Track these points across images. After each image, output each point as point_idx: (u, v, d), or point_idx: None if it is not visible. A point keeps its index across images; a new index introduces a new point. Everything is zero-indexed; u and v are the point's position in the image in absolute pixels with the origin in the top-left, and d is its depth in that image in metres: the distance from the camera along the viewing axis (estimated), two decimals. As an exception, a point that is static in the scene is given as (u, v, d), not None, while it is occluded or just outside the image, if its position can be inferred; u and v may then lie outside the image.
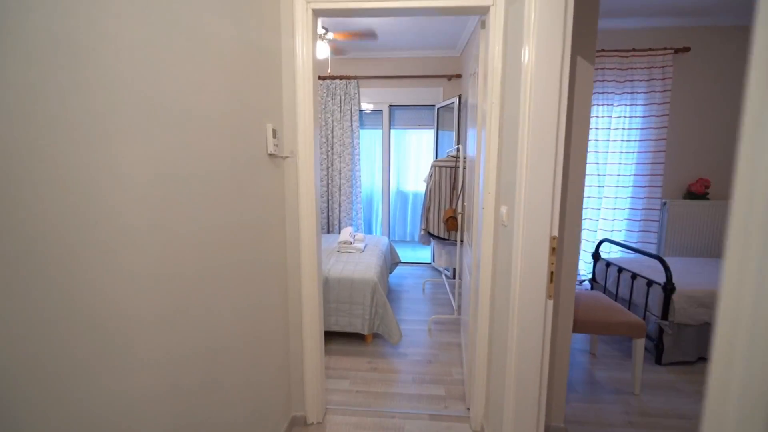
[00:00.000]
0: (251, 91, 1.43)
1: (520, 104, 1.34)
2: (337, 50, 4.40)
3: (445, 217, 2.85)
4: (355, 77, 4.54)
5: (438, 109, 4.58)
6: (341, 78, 4.52)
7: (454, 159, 3.13)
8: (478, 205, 1.85)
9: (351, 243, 3.34)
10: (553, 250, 1.32)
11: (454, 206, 3.08)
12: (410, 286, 4.05)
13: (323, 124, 4.59)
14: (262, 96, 1.54)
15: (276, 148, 1.65)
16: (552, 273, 1.33)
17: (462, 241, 2.97)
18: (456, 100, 4.03)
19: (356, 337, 2.86)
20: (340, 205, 4.65)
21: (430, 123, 4.81)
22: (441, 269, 4.32)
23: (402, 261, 4.86)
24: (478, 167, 1.92)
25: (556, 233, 1.32)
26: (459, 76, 4.45)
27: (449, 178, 3.11)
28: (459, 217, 2.90)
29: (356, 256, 3.20)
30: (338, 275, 2.72)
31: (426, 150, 6.29)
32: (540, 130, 1.29)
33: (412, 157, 6.33)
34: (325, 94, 4.56)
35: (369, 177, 6.19)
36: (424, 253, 5.59)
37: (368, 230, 6.30)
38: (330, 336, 2.83)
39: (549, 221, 1.32)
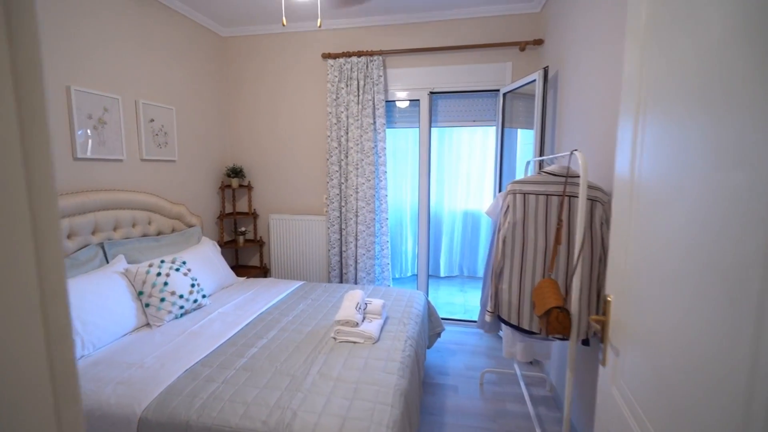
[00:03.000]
0: None
1: None
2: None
3: (542, 307, 1.32)
4: (380, 52, 3.11)
5: (504, 94, 3.02)
6: (359, 54, 3.12)
7: (559, 178, 1.58)
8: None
9: (357, 325, 1.90)
10: None
11: (565, 280, 1.53)
12: (458, 373, 2.53)
13: (333, 121, 3.20)
14: None
15: None
16: None
17: (584, 340, 1.42)
18: (538, 76, 2.47)
19: None
20: (356, 238, 3.23)
21: (490, 117, 3.26)
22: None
23: (447, 316, 3.34)
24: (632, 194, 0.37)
25: None
26: (540, 42, 2.86)
27: (546, 214, 1.56)
28: (577, 304, 1.36)
29: (365, 350, 1.76)
30: (315, 422, 1.28)
31: (482, 155, 4.70)
32: None
33: (462, 164, 4.77)
34: (336, 79, 3.17)
35: (397, 192, 4.72)
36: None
37: (396, 266, 4.82)
38: None
39: None
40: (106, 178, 2.39)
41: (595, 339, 1.55)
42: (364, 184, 3.16)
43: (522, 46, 2.92)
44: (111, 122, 2.39)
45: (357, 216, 3.20)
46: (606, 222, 1.49)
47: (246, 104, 3.52)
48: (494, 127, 3.25)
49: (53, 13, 2.03)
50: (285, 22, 1.89)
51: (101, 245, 2.23)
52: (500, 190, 3.12)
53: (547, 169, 1.61)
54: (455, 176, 4.81)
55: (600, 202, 1.47)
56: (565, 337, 1.39)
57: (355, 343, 1.84)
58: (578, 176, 1.57)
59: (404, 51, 3.11)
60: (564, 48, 2.35)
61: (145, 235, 2.58)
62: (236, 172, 3.43)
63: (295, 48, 3.34)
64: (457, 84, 3.14)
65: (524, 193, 1.59)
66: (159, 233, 2.69)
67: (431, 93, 3.19)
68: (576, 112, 2.10)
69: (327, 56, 3.19)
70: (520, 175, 3.18)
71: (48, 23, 2.00)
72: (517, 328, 1.64)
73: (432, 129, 3.28)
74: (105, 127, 2.35)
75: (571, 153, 1.45)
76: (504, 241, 1.62)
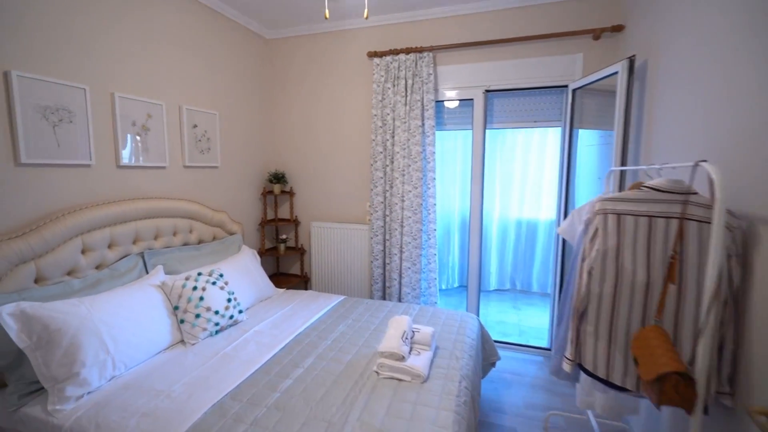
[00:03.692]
0: None
1: None
2: None
3: (653, 369, 0.99)
4: (430, 48, 2.84)
5: (574, 91, 2.64)
6: (407, 51, 2.87)
7: (669, 196, 1.23)
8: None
9: (403, 358, 1.65)
10: None
11: (674, 329, 1.19)
12: (517, 412, 2.20)
13: (379, 124, 2.99)
14: None
15: None
16: None
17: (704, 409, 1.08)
18: (621, 68, 2.08)
19: None
20: (401, 250, 2.98)
21: (553, 116, 2.88)
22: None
23: (500, 339, 3.00)
24: None
25: None
26: (620, 28, 2.45)
27: (648, 241, 1.22)
28: (704, 372, 1.02)
29: (412, 392, 1.51)
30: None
31: (539, 159, 4.27)
32: None
33: (516, 168, 4.37)
34: (382, 78, 2.95)
35: (443, 197, 4.41)
36: (542, 323, 3.60)
37: (440, 277, 4.52)
38: None
39: None
40: (148, 185, 2.34)
41: (717, 408, 1.18)
42: (410, 191, 2.91)
43: (596, 33, 2.52)
44: (154, 129, 2.34)
45: (402, 226, 2.96)
46: (737, 255, 1.12)
47: (289, 107, 3.41)
48: (554, 128, 2.86)
49: (95, 18, 1.99)
50: (327, 15, 1.69)
51: (141, 255, 2.17)
52: (567, 200, 2.73)
53: (653, 183, 1.25)
54: (508, 181, 4.41)
55: (728, 228, 1.11)
56: (683, 407, 1.05)
57: (400, 380, 1.59)
58: (695, 193, 1.21)
59: (457, 46, 2.82)
60: (656, 32, 1.95)
61: (185, 244, 2.51)
62: (278, 178, 3.32)
63: (339, 47, 3.17)
64: (516, 81, 2.80)
65: (618, 214, 1.26)
66: (200, 241, 2.62)
67: (487, 91, 2.87)
68: (675, 110, 1.70)
69: (373, 54, 2.98)
70: (586, 181, 2.76)
71: (90, 29, 1.96)
72: (606, 381, 1.31)
73: (487, 131, 2.95)
74: (148, 134, 2.30)
75: (696, 164, 1.09)
76: (590, 274, 1.29)
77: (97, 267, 1.99)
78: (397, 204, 2.96)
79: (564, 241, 2.74)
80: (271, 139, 3.50)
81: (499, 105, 2.98)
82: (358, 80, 3.15)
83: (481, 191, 2.96)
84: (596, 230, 1.28)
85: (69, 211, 1.87)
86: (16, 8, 1.67)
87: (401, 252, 2.98)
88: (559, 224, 2.81)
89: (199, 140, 2.68)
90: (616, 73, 2.13)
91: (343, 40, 3.16)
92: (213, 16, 2.75)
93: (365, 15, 1.69)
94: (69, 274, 1.86)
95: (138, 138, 2.24)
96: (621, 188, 2.11)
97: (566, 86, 2.70)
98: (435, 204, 2.94)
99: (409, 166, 2.90)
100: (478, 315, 3.03)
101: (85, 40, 1.93)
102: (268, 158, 3.49)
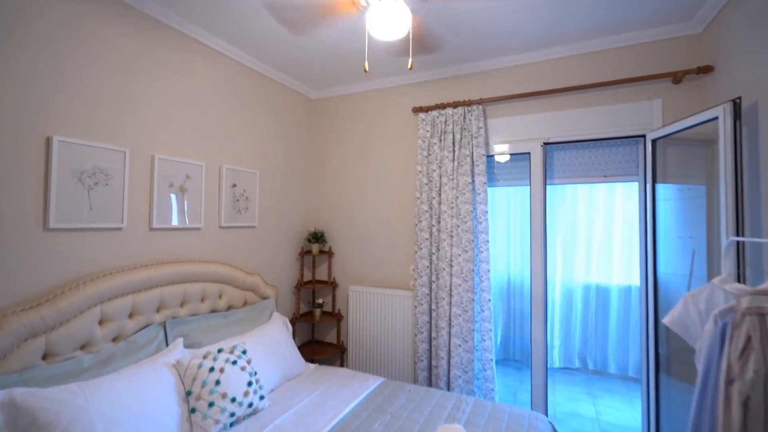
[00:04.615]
0: None
1: None
2: (430, 43, 2.64)
3: None
4: (479, 101, 2.64)
5: (654, 141, 2.26)
6: (455, 105, 2.69)
7: None
8: None
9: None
10: None
11: None
12: None
13: (424, 181, 2.76)
14: None
15: None
16: None
17: None
18: (722, 112, 1.70)
19: None
20: (450, 324, 2.58)
21: (624, 169, 2.48)
22: None
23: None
24: None
25: None
26: (708, 69, 2.10)
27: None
28: None
29: None
30: None
31: (608, 216, 3.77)
32: None
33: (580, 226, 3.88)
34: (428, 134, 2.77)
35: (500, 262, 3.97)
36: (627, 409, 2.89)
37: (501, 350, 3.95)
38: None
39: None
40: (180, 248, 2.23)
41: None
42: (460, 255, 2.56)
43: (678, 77, 2.18)
44: (192, 189, 2.28)
45: (451, 295, 2.58)
46: None
47: (330, 164, 3.32)
48: (636, 183, 2.44)
49: (138, 80, 2.01)
50: (367, 68, 1.55)
51: (163, 325, 1.99)
52: (655, 264, 2.23)
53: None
54: (571, 240, 3.91)
55: None
56: None
57: None
58: None
59: (509, 97, 2.59)
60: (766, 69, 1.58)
61: (213, 311, 2.32)
62: (317, 237, 3.14)
63: (383, 104, 3.09)
64: (579, 132, 2.48)
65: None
66: (229, 307, 2.43)
67: (545, 144, 2.57)
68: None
69: (418, 110, 2.84)
70: (664, 242, 2.26)
71: (133, 91, 1.98)
72: None
73: (547, 187, 2.60)
74: (185, 195, 2.24)
75: None
76: (746, 405, 0.85)
77: (114, 339, 1.82)
78: (444, 269, 2.61)
79: (656, 308, 2.20)
80: (311, 197, 3.39)
81: (560, 158, 2.65)
82: (402, 137, 3.00)
83: (544, 255, 2.54)
84: (749, 339, 0.87)
85: (93, 277, 1.75)
86: (58, 73, 1.70)
87: (450, 326, 2.57)
88: (647, 295, 2.28)
89: (237, 200, 2.60)
90: (714, 118, 1.75)
91: (387, 97, 3.08)
92: (258, 77, 2.79)
93: (409, 65, 1.51)
94: (82, 348, 1.69)
95: (174, 199, 2.18)
96: (741, 264, 1.62)
97: (642, 136, 2.32)
98: (489, 270, 2.55)
99: (458, 226, 2.59)
100: (546, 405, 2.47)
101: (127, 102, 1.94)
102: (308, 217, 3.36)
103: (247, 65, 2.67)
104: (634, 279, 3.62)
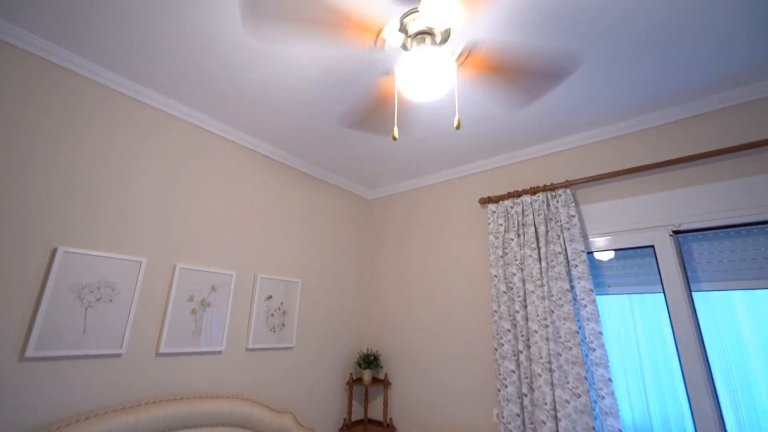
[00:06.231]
0: None
1: None
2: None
3: None
4: (565, 183, 2.07)
5: None
6: (533, 191, 2.15)
7: None
8: None
9: None
10: None
11: None
12: None
13: (502, 289, 2.09)
14: None
15: None
16: None
17: None
18: None
19: None
20: None
21: (836, 267, 1.56)
22: None
23: None
24: None
25: None
26: None
27: None
28: None
29: None
30: None
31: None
32: None
33: (732, 350, 2.65)
34: (501, 228, 2.21)
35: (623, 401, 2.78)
36: None
37: None
38: None
39: None
40: (194, 378, 1.80)
41: None
42: (568, 402, 1.71)
43: None
44: (216, 304, 1.94)
45: (561, 469, 1.66)
46: None
47: (386, 273, 2.85)
48: None
49: (168, 184, 1.88)
50: (396, 135, 1.15)
51: (144, 497, 1.45)
52: None
53: None
54: (740, 368, 2.64)
55: None
56: None
57: None
58: None
59: (607, 176, 1.99)
60: None
61: (222, 470, 1.73)
62: (369, 361, 2.51)
63: (445, 198, 2.67)
64: (724, 214, 1.71)
65: None
66: (245, 465, 1.82)
67: (676, 232, 1.82)
68: None
69: (486, 201, 2.35)
70: None
71: (159, 196, 1.83)
72: None
73: (692, 293, 1.75)
74: (207, 311, 1.89)
75: None
76: None
77: None
78: (545, 423, 1.74)
79: None
80: (364, 311, 2.86)
81: (703, 250, 1.83)
82: (470, 234, 2.48)
83: (713, 393, 1.56)
84: None
85: (80, 418, 1.37)
86: (70, 179, 1.60)
87: None
88: None
89: (272, 314, 2.19)
90: None
91: (449, 190, 2.67)
92: (302, 177, 2.62)
93: (456, 124, 1.08)
94: None
95: (193, 316, 1.83)
96: None
97: None
98: (620, 430, 1.62)
99: (559, 355, 1.79)
100: None
101: (150, 208, 1.78)
102: (359, 335, 2.78)
103: (287, 164, 2.52)
104: None
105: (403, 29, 1.28)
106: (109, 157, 1.68)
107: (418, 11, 1.21)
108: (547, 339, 1.83)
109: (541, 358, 1.82)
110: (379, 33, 1.34)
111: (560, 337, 1.81)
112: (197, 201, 1.97)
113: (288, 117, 2.03)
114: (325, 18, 1.27)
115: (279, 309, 2.23)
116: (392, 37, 1.27)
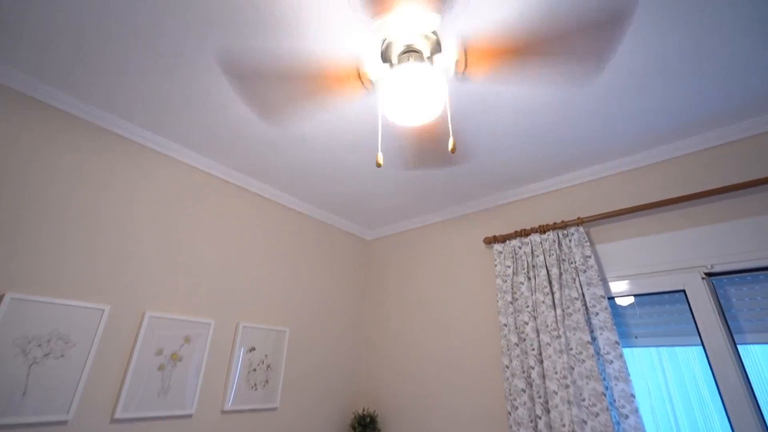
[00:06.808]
0: None
1: None
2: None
3: None
4: (578, 221, 1.89)
5: None
6: (542, 230, 1.97)
7: None
8: None
9: None
10: None
11: None
12: None
13: (513, 340, 1.84)
14: None
15: None
16: None
17: None
18: None
19: None
20: None
21: None
22: None
23: None
24: None
25: None
26: None
27: None
28: None
29: None
30: None
31: None
32: None
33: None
34: (509, 270, 2.00)
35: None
36: None
37: None
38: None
39: None
40: (151, 450, 1.53)
41: None
42: (599, 484, 1.40)
43: None
44: (190, 357, 1.72)
45: None
46: None
47: (383, 321, 2.60)
48: None
49: (129, 222, 1.73)
50: (380, 161, 1.00)
51: None
52: None
53: None
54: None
55: None
56: None
57: None
58: None
59: (625, 212, 1.81)
60: None
61: None
62: (365, 424, 2.21)
63: (447, 237, 2.49)
64: (761, 253, 1.50)
65: None
66: None
67: (710, 275, 1.60)
68: None
69: (491, 240, 2.16)
70: None
71: (126, 235, 1.68)
72: None
73: (738, 347, 1.50)
74: (178, 365, 1.67)
75: None
76: None
77: None
78: None
79: None
80: (360, 366, 2.59)
81: (741, 294, 1.60)
82: (474, 277, 2.27)
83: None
84: None
85: None
86: (22, 222, 1.46)
87: None
88: None
89: (254, 369, 1.95)
90: None
91: (451, 229, 2.49)
92: (293, 215, 2.48)
93: (450, 146, 0.93)
94: None
95: (160, 373, 1.61)
96: None
97: None
98: None
99: (584, 423, 1.51)
100: None
101: (116, 249, 1.62)
102: (353, 393, 2.49)
103: (279, 202, 2.40)
104: None
105: (387, 59, 1.18)
106: (74, 195, 1.56)
107: (386, 38, 1.11)
108: (569, 403, 1.56)
109: (564, 426, 1.54)
110: (360, 75, 1.24)
111: (584, 400, 1.54)
112: (173, 241, 1.81)
113: (286, 157, 1.92)
114: (314, 86, 1.18)
115: (263, 363, 1.99)
116: (377, 71, 1.17)
